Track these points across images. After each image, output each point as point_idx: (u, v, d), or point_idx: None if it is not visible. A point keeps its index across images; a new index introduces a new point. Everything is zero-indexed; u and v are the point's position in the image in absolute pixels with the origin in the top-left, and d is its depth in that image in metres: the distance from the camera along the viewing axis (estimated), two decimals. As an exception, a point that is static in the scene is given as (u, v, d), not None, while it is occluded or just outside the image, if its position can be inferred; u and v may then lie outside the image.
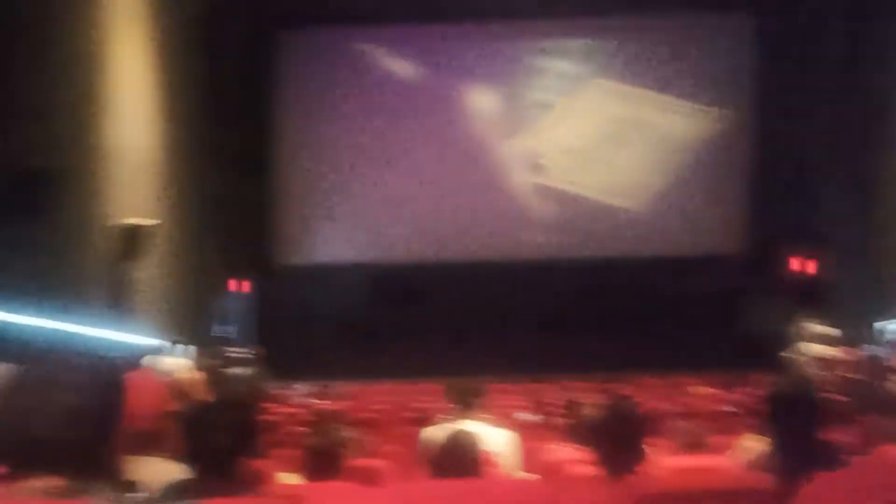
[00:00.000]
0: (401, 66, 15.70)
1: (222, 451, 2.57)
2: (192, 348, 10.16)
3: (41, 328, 8.19)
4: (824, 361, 8.04)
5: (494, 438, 4.21)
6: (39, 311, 8.24)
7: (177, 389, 5.84)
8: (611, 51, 15.56)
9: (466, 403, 5.00)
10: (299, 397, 9.65)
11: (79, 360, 1.39)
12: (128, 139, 11.15)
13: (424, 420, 6.66)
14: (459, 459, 3.22)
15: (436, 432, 4.18)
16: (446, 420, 4.49)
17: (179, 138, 12.78)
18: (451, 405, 5.00)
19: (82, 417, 1.31)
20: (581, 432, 4.38)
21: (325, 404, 8.49)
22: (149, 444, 2.79)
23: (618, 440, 2.83)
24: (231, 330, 13.69)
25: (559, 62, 15.60)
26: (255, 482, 2.78)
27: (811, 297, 11.91)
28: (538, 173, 15.56)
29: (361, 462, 4.53)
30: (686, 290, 14.02)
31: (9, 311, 7.60)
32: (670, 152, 15.41)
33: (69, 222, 9.60)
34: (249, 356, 9.31)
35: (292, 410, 7.99)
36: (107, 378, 1.40)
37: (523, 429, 5.48)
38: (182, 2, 12.53)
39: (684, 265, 14.46)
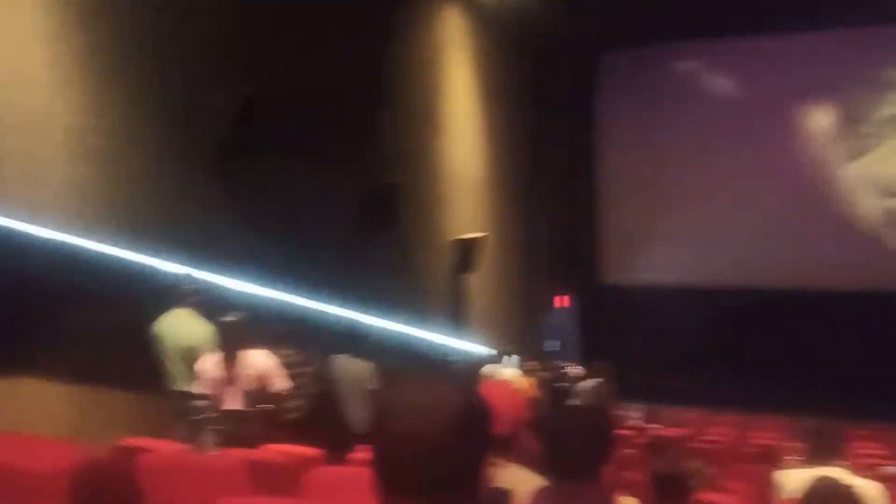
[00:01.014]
0: (729, 83, 14.94)
1: (580, 457, 2.57)
2: (520, 359, 10.51)
3: (392, 331, 9.00)
4: None
5: (865, 491, 3.76)
6: (389, 315, 9.07)
7: (526, 397, 6.05)
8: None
9: (822, 447, 4.56)
10: (632, 419, 9.49)
11: (444, 381, 1.32)
12: (459, 159, 11.88)
13: (767, 457, 6.22)
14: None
15: (794, 476, 3.84)
16: (802, 464, 4.12)
17: (505, 159, 13.35)
18: (803, 447, 4.58)
19: (456, 443, 1.25)
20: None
21: (658, 429, 8.28)
22: (504, 451, 2.87)
23: None
24: (556, 344, 13.97)
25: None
26: (613, 490, 2.75)
27: None
28: (889, 197, 13.89)
29: (708, 495, 4.32)
30: None
31: (362, 312, 8.44)
32: None
33: (413, 234, 10.45)
34: (584, 371, 9.41)
35: (625, 432, 7.89)
36: (474, 400, 1.31)
37: (889, 483, 4.86)
38: (506, 30, 13.09)
39: None
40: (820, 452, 4.48)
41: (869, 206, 14.06)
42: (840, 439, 4.62)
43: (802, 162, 14.38)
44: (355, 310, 8.24)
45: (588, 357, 11.22)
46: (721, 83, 14.99)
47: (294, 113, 7.62)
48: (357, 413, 6.10)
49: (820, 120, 14.39)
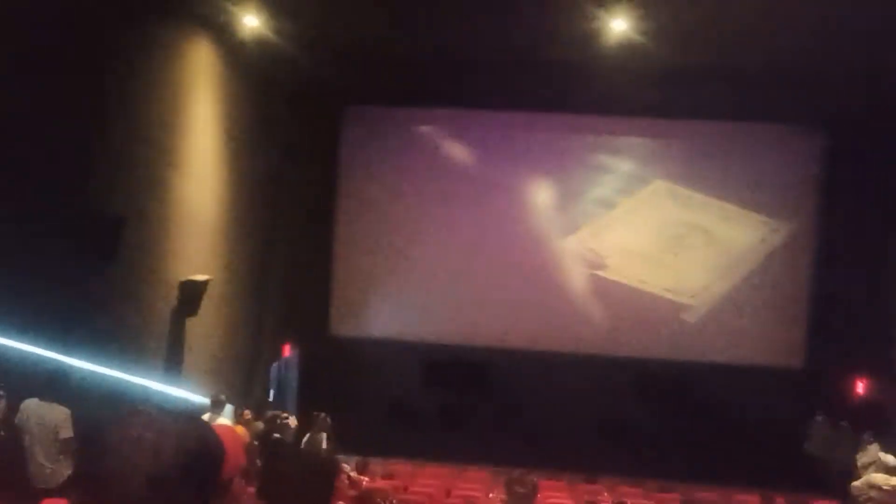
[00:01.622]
0: (463, 151, 15.77)
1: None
2: (236, 408, 10.16)
3: (100, 375, 8.27)
4: (887, 492, 7.70)
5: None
6: (98, 357, 8.34)
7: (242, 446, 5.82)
8: (673, 153, 15.51)
9: (519, 496, 4.91)
10: (344, 471, 9.46)
11: (173, 421, 1.28)
12: (194, 197, 11.40)
13: (470, 508, 6.49)
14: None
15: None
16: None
17: (244, 201, 13.02)
18: (503, 497, 4.89)
19: (179, 484, 1.21)
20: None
21: (368, 481, 8.32)
22: (220, 497, 2.79)
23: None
24: (275, 394, 13.68)
25: (622, 160, 15.60)
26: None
27: (874, 423, 11.41)
28: (595, 269, 15.44)
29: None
30: (739, 401, 13.64)
31: (65, 352, 7.68)
32: (730, 260, 15.19)
33: (134, 271, 9.79)
34: (301, 422, 9.26)
35: (336, 484, 7.82)
36: (207, 440, 1.29)
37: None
38: (258, 71, 12.95)
39: (739, 374, 14.08)
40: (517, 501, 4.81)
41: (578, 276, 15.47)
42: (535, 489, 5.02)
43: (523, 231, 15.51)
44: (56, 349, 7.48)
45: (308, 408, 11.09)
46: (454, 150, 15.80)
47: None
48: (46, 463, 5.50)
49: (541, 193, 15.66)
